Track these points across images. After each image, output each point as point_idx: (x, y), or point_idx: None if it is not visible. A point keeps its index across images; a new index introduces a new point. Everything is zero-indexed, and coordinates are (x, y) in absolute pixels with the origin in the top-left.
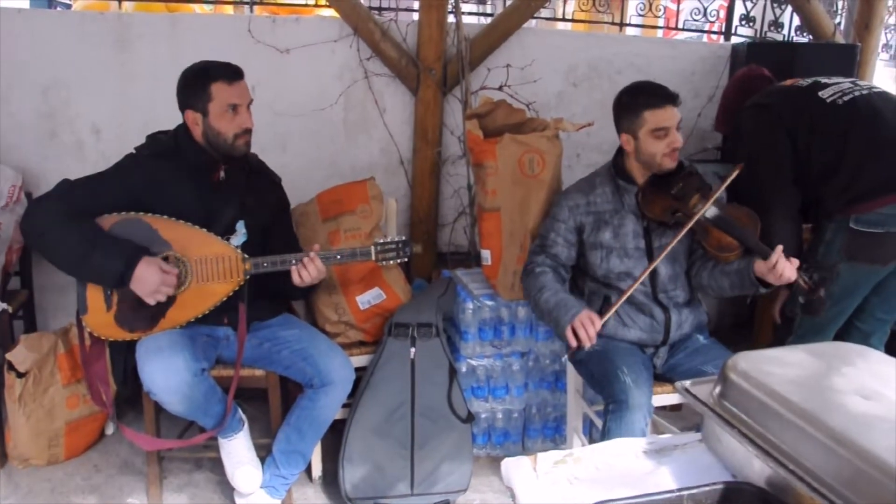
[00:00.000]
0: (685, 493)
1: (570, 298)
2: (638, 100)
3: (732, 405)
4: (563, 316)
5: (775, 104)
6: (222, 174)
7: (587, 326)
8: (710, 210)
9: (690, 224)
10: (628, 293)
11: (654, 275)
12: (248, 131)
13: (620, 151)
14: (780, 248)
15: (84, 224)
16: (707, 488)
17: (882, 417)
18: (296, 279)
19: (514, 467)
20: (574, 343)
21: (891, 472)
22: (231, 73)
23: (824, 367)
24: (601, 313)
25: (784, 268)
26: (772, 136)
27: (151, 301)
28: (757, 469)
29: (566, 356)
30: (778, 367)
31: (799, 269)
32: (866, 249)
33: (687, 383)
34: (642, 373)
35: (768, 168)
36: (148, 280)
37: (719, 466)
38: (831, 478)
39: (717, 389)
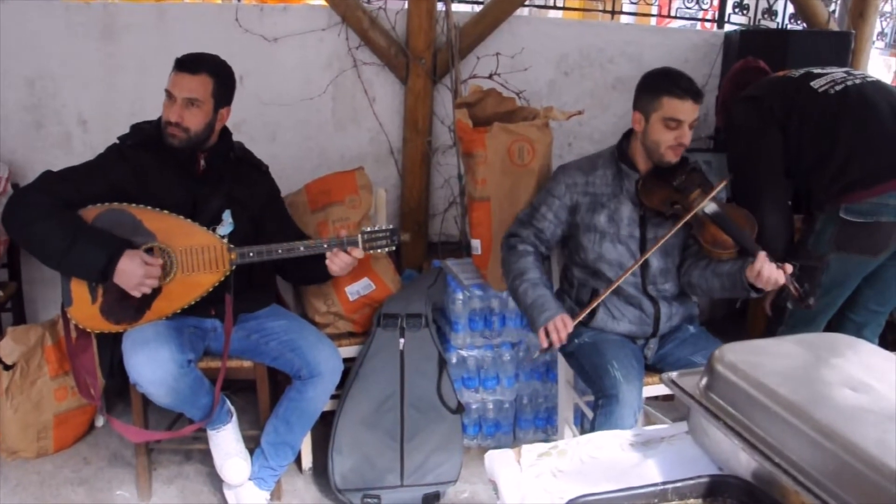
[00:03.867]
0: (669, 486)
1: (547, 296)
2: (661, 83)
3: (719, 397)
4: (538, 317)
5: (766, 96)
6: (203, 163)
7: (559, 330)
8: (709, 205)
9: (688, 217)
10: (614, 286)
11: (645, 267)
12: (171, 124)
13: (628, 135)
14: (763, 252)
15: (66, 216)
16: (692, 481)
17: (870, 410)
18: (333, 271)
19: (498, 460)
20: (545, 345)
21: (877, 466)
22: (178, 62)
23: (813, 359)
24: (586, 305)
25: (769, 272)
26: (762, 128)
27: (136, 294)
28: (743, 462)
29: (536, 354)
30: (766, 359)
31: (791, 274)
32: (856, 239)
33: (673, 375)
34: (633, 367)
35: (759, 160)
36: (131, 273)
37: (706, 459)
38: (817, 471)
39: (704, 381)
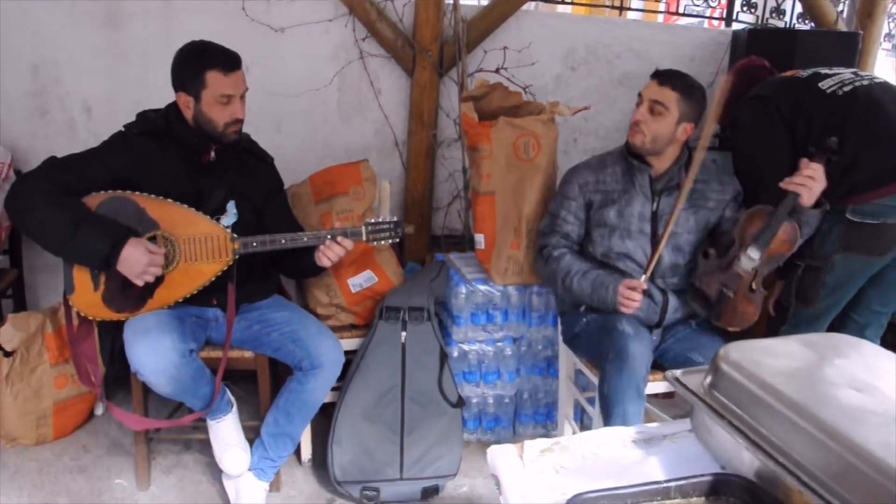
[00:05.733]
0: (672, 484)
1: (600, 276)
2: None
3: (723, 396)
4: (606, 296)
5: (774, 96)
6: (213, 155)
7: (628, 297)
8: (745, 262)
9: (745, 288)
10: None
11: (656, 262)
12: (238, 121)
13: None
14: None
15: (69, 203)
16: (695, 480)
17: (874, 411)
18: (324, 262)
19: (501, 455)
20: (630, 312)
21: (881, 467)
22: (228, 63)
23: (817, 359)
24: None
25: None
26: (770, 129)
27: (139, 282)
28: (746, 461)
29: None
30: (770, 358)
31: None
32: (862, 240)
33: (678, 373)
34: (641, 328)
35: (767, 161)
36: (135, 261)
37: (708, 457)
38: (821, 471)
39: (708, 379)
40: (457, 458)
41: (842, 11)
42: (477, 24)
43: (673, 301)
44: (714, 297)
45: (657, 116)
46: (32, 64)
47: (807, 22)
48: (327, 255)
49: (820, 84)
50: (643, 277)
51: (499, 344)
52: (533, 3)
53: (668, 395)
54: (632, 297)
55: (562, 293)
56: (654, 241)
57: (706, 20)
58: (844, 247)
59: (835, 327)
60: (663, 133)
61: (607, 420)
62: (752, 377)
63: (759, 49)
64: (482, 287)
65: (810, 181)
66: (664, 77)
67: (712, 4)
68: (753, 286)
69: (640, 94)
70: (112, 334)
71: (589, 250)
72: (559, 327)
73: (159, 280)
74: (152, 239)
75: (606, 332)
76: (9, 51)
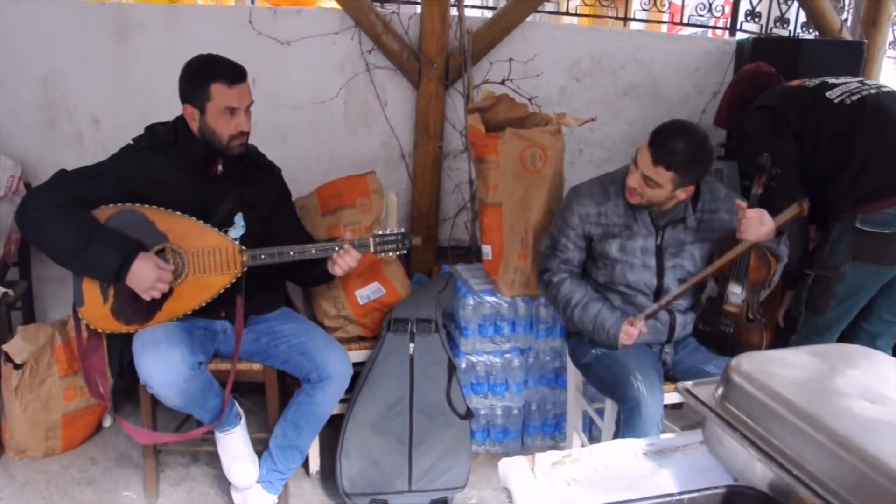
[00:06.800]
0: (685, 496)
1: (600, 313)
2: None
3: (735, 407)
4: (605, 339)
5: (781, 106)
6: (220, 167)
7: (630, 337)
8: (733, 297)
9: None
10: (680, 292)
11: (660, 290)
12: (243, 134)
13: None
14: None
15: (80, 216)
16: (708, 492)
17: (887, 422)
18: (336, 271)
19: (512, 468)
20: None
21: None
22: (233, 75)
23: (828, 369)
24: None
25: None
26: (778, 139)
27: (147, 297)
28: (759, 473)
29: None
30: (781, 369)
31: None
32: (872, 250)
33: (689, 384)
34: (655, 379)
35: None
36: (144, 276)
37: (721, 469)
38: (835, 483)
39: (720, 391)
40: (465, 470)
41: (846, 20)
42: (482, 36)
43: (680, 319)
44: (719, 336)
45: (651, 187)
46: (41, 76)
47: (811, 31)
48: (339, 264)
49: (827, 93)
50: (641, 321)
51: (507, 355)
52: (538, 15)
53: (676, 406)
54: (631, 337)
55: (565, 321)
56: (660, 272)
57: (710, 30)
58: (854, 256)
59: (845, 337)
60: (660, 197)
61: None
62: (764, 388)
63: (763, 58)
64: (490, 298)
65: (745, 223)
66: (659, 154)
67: (716, 14)
68: (750, 316)
69: (634, 162)
70: (121, 347)
71: (592, 275)
72: (567, 346)
73: (168, 293)
74: (161, 251)
75: (619, 381)
76: (19, 63)
